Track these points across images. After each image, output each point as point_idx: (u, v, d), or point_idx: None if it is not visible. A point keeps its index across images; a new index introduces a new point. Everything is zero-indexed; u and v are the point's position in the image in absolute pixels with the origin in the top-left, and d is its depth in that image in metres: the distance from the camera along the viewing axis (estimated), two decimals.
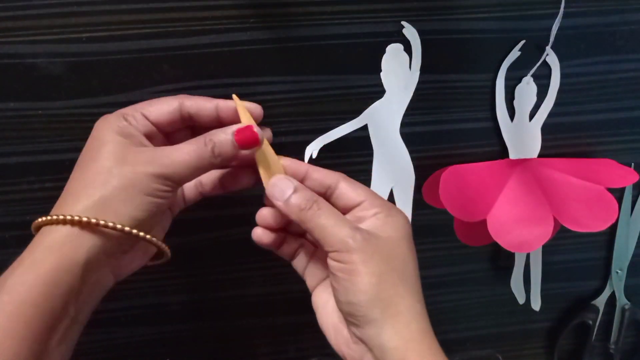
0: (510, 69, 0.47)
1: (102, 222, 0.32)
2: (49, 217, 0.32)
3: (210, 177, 0.41)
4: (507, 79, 0.47)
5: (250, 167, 0.39)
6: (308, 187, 0.38)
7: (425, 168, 0.49)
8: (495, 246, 0.48)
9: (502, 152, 0.50)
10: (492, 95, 0.48)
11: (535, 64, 0.47)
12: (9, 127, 0.43)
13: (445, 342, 0.57)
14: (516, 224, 0.47)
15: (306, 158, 0.46)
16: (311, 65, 0.44)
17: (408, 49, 0.45)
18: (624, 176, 0.49)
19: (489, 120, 0.49)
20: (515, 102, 0.48)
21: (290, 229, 0.40)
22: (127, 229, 0.33)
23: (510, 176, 0.49)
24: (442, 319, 0.56)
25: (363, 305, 0.34)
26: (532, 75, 0.47)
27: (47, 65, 0.41)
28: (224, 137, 0.36)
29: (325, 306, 0.38)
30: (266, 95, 0.45)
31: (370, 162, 0.48)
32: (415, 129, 0.48)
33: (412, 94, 0.46)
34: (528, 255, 0.55)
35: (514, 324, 0.58)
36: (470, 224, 0.48)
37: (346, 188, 0.37)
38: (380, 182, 0.48)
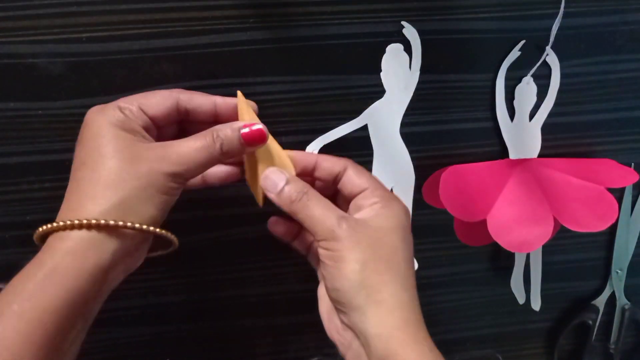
0: (510, 69, 0.47)
1: (129, 225, 0.32)
2: (68, 222, 0.32)
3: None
4: (507, 79, 0.47)
5: (234, 162, 0.39)
6: (319, 177, 0.39)
7: (425, 168, 0.49)
8: (495, 246, 0.48)
9: (502, 152, 0.50)
10: (492, 95, 0.48)
11: (535, 64, 0.47)
12: (9, 127, 0.43)
13: (445, 342, 0.58)
14: (516, 224, 0.47)
15: None
16: (311, 65, 0.44)
17: (408, 49, 0.45)
18: (624, 176, 0.49)
19: (489, 120, 0.49)
20: (515, 102, 0.48)
21: None
22: (151, 228, 0.33)
23: (510, 176, 0.49)
24: (442, 319, 0.56)
25: (347, 292, 0.34)
26: (532, 75, 0.47)
27: (47, 65, 0.41)
28: (231, 134, 0.36)
29: (323, 296, 0.39)
30: (266, 95, 0.45)
31: (370, 162, 0.48)
32: (415, 129, 0.48)
33: (412, 94, 0.46)
34: (528, 255, 0.55)
35: (514, 324, 0.58)
36: (470, 224, 0.48)
37: (352, 175, 0.38)
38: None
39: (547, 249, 0.54)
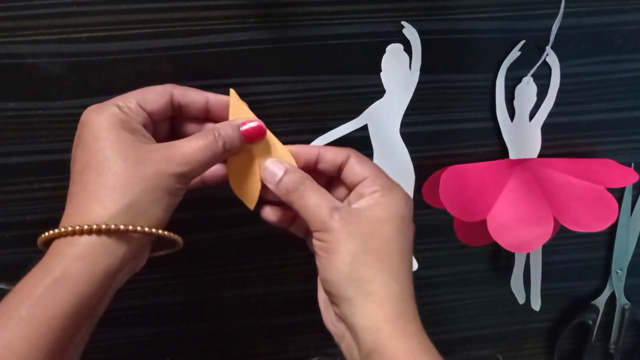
0: (510, 69, 0.47)
1: (138, 229, 0.32)
2: (77, 227, 0.31)
3: None
4: (507, 79, 0.47)
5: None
6: (323, 169, 0.39)
7: (425, 168, 0.49)
8: (495, 246, 0.48)
9: (502, 152, 0.50)
10: (492, 95, 0.48)
11: (535, 64, 0.47)
12: (9, 127, 0.43)
13: (445, 342, 0.58)
14: (516, 224, 0.47)
15: None
16: (311, 65, 0.44)
17: (408, 49, 0.45)
18: (624, 176, 0.49)
19: (489, 120, 0.49)
20: (515, 102, 0.48)
21: None
22: (159, 232, 0.33)
23: (510, 176, 0.49)
24: (442, 319, 0.56)
25: (337, 283, 0.34)
26: (532, 75, 0.47)
27: (47, 65, 0.41)
28: (231, 132, 0.36)
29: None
30: (266, 95, 0.45)
31: None
32: (415, 129, 0.48)
33: (412, 94, 0.46)
34: (528, 255, 0.55)
35: (514, 324, 0.58)
36: (470, 224, 0.48)
37: (354, 164, 0.38)
38: None
39: (547, 249, 0.54)
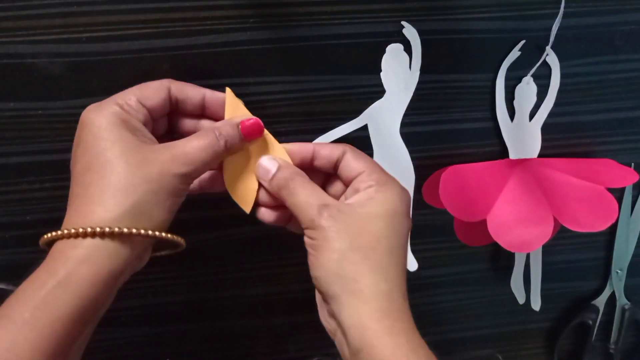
0: (510, 69, 0.47)
1: (142, 232, 0.32)
2: (81, 230, 0.31)
3: None
4: (507, 79, 0.47)
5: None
6: (319, 166, 0.39)
7: (425, 168, 0.49)
8: (495, 246, 0.48)
9: (502, 152, 0.50)
10: (492, 95, 0.48)
11: (535, 64, 0.47)
12: (9, 127, 0.43)
13: (445, 342, 0.58)
14: (516, 224, 0.47)
15: None
16: (311, 65, 0.44)
17: (408, 49, 0.45)
18: (624, 176, 0.49)
19: (489, 120, 0.49)
20: (515, 102, 0.48)
21: None
22: (163, 234, 0.33)
23: (510, 176, 0.49)
24: (442, 319, 0.56)
25: (324, 281, 0.34)
26: (532, 75, 0.47)
27: (47, 65, 0.41)
28: (231, 130, 0.36)
29: None
30: (266, 95, 0.45)
31: None
32: (415, 129, 0.48)
33: (412, 94, 0.46)
34: (528, 255, 0.55)
35: (513, 324, 0.58)
36: (470, 224, 0.48)
37: (350, 159, 0.38)
38: None
39: (547, 249, 0.54)
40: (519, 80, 0.47)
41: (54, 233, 0.32)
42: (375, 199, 0.36)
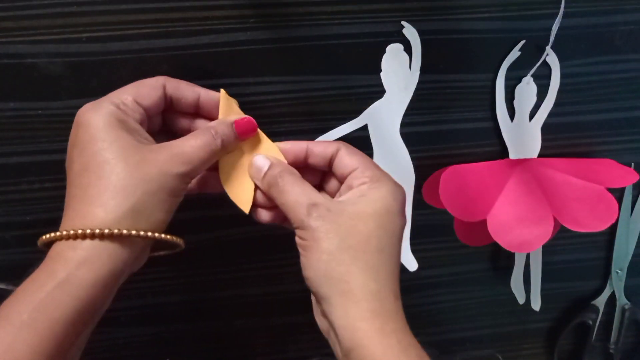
0: (510, 69, 0.47)
1: (142, 234, 0.32)
2: (80, 231, 0.31)
3: None
4: (507, 79, 0.47)
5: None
6: (313, 164, 0.38)
7: (425, 168, 0.49)
8: (495, 246, 0.48)
9: (502, 152, 0.50)
10: (492, 95, 0.48)
11: (535, 64, 0.47)
12: (9, 127, 0.43)
13: (445, 342, 0.57)
14: (516, 224, 0.47)
15: None
16: (311, 65, 0.44)
17: (408, 49, 0.45)
18: (624, 176, 0.49)
19: (489, 120, 0.49)
20: (515, 102, 0.48)
21: None
22: (163, 236, 0.33)
23: (510, 176, 0.49)
24: (442, 319, 0.56)
25: (314, 282, 0.34)
26: (532, 75, 0.47)
27: (47, 65, 0.41)
28: (227, 129, 0.36)
29: None
30: (266, 95, 0.45)
31: None
32: (415, 129, 0.48)
33: (412, 94, 0.46)
34: (528, 255, 0.55)
35: (513, 324, 0.58)
36: (470, 224, 0.48)
37: (343, 156, 0.37)
38: None
39: (547, 249, 0.54)
40: (519, 80, 0.47)
41: (52, 234, 0.32)
42: (366, 197, 0.35)
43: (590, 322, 0.57)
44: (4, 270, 0.46)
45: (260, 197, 0.39)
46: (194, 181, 0.39)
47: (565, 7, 0.44)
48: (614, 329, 0.58)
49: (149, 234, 0.32)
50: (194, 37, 0.42)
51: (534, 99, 0.48)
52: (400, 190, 0.36)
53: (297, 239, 0.35)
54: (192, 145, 0.35)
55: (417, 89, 0.46)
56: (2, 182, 0.44)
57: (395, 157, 0.48)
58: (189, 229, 0.48)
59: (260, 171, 0.37)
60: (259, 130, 0.39)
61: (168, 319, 0.52)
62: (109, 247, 0.32)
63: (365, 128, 0.47)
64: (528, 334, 0.59)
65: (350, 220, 0.34)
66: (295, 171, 0.37)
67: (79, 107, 0.35)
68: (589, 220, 0.47)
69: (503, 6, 0.45)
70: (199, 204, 0.47)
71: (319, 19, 0.43)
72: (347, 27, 0.43)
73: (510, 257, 0.54)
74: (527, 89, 0.48)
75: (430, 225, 0.52)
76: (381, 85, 0.46)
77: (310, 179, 0.39)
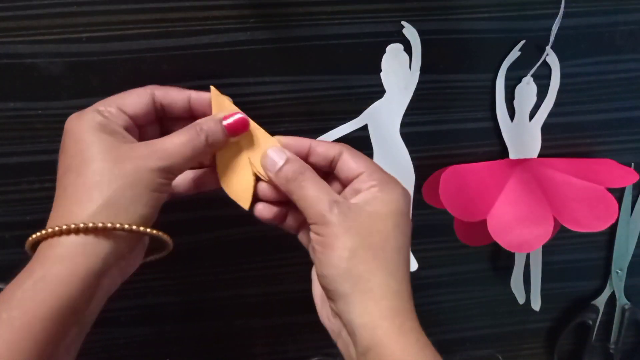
0: (510, 69, 0.47)
1: (117, 226, 0.32)
2: (57, 228, 0.31)
3: (183, 178, 0.40)
4: (507, 79, 0.47)
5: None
6: (313, 163, 0.38)
7: (425, 168, 0.49)
8: (495, 246, 0.48)
9: (502, 152, 0.50)
10: (492, 95, 0.48)
11: (535, 64, 0.47)
12: (9, 127, 0.43)
13: (445, 342, 0.58)
14: (516, 224, 0.47)
15: None
16: (311, 65, 0.44)
17: (408, 49, 0.45)
18: (624, 176, 0.49)
19: (489, 120, 0.49)
20: (515, 102, 0.48)
21: (292, 202, 0.40)
22: (141, 229, 0.33)
23: (510, 176, 0.49)
24: (442, 319, 0.56)
25: (333, 279, 0.34)
26: (532, 75, 0.47)
27: (47, 65, 0.41)
28: (214, 125, 0.36)
29: (317, 279, 0.38)
30: (266, 95, 0.45)
31: None
32: (415, 129, 0.48)
33: (412, 94, 0.46)
34: (528, 255, 0.55)
35: (513, 324, 0.58)
36: (470, 224, 0.48)
37: (348, 159, 0.37)
38: None
39: (547, 249, 0.54)
40: (519, 80, 0.47)
41: (34, 236, 0.32)
42: (380, 199, 0.35)
43: (590, 322, 0.57)
44: (3, 270, 0.46)
45: (265, 191, 0.39)
46: (189, 181, 0.40)
47: (565, 7, 0.44)
48: (614, 329, 0.58)
49: (125, 226, 0.32)
50: (194, 37, 0.42)
51: (534, 99, 0.48)
52: (407, 193, 0.37)
53: (313, 235, 0.35)
54: (174, 141, 0.34)
55: (417, 89, 0.46)
56: (2, 182, 0.44)
57: (395, 157, 0.48)
58: (189, 229, 0.48)
59: (275, 165, 0.37)
60: (255, 125, 0.38)
61: (168, 319, 0.52)
62: (86, 242, 0.31)
63: (365, 128, 0.47)
64: (528, 334, 0.59)
65: (369, 220, 0.35)
66: (312, 169, 0.37)
67: (79, 107, 0.35)
68: (589, 220, 0.47)
69: (503, 6, 0.45)
70: (199, 204, 0.47)
71: (319, 19, 0.43)
72: (347, 27, 0.43)
73: (510, 257, 0.54)
74: (527, 89, 0.48)
75: (430, 225, 0.52)
76: (381, 85, 0.46)
77: None
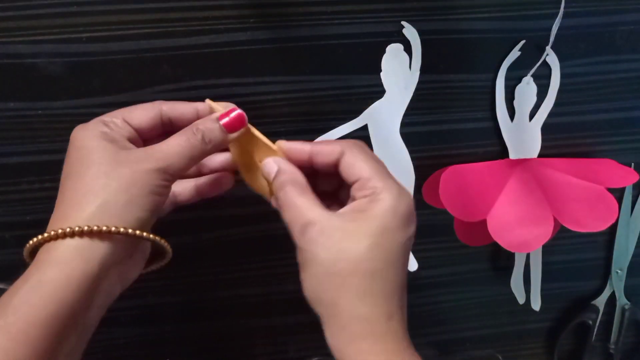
0: (510, 69, 0.47)
1: (113, 229, 0.31)
2: (52, 233, 0.31)
3: (184, 186, 0.40)
4: (507, 79, 0.47)
5: (226, 170, 0.39)
6: (318, 169, 0.37)
7: (425, 168, 0.49)
8: (495, 246, 0.48)
9: (502, 152, 0.50)
10: (492, 95, 0.48)
11: (535, 64, 0.47)
12: (9, 127, 0.43)
13: (445, 342, 0.58)
14: (516, 224, 0.47)
15: None
16: (311, 65, 0.44)
17: (408, 49, 0.45)
18: (624, 176, 0.49)
19: (489, 120, 0.49)
20: (515, 102, 0.48)
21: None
22: (137, 232, 0.32)
23: (510, 176, 0.49)
24: (442, 319, 0.56)
25: (309, 299, 0.34)
26: (532, 75, 0.47)
27: (47, 65, 0.41)
28: (210, 124, 0.36)
29: None
30: (266, 95, 0.45)
31: None
32: (415, 129, 0.48)
33: (412, 94, 0.46)
34: (528, 255, 0.55)
35: (513, 324, 0.58)
36: (470, 224, 0.48)
37: (348, 163, 0.36)
38: None
39: (547, 249, 0.54)
40: (519, 80, 0.47)
41: (30, 242, 0.32)
42: (365, 213, 0.34)
43: (590, 322, 0.57)
44: (3, 270, 0.46)
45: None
46: (191, 189, 0.40)
47: (565, 7, 0.44)
48: (614, 329, 0.58)
49: (121, 229, 0.32)
50: (194, 37, 0.42)
51: (534, 99, 0.48)
52: (404, 201, 0.34)
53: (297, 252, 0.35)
54: (170, 142, 0.34)
55: (417, 89, 0.46)
56: (2, 182, 0.44)
57: (395, 157, 0.48)
58: (189, 229, 0.48)
59: (269, 176, 0.37)
60: (251, 126, 0.38)
61: (168, 319, 0.52)
62: (81, 245, 0.31)
63: (365, 128, 0.47)
64: (528, 334, 0.59)
65: (341, 243, 0.33)
66: (300, 178, 0.36)
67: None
68: (589, 220, 0.47)
69: (503, 6, 0.45)
70: (199, 204, 0.47)
71: (319, 19, 0.43)
72: (347, 27, 0.43)
73: (510, 257, 0.54)
74: (527, 89, 0.48)
75: (430, 225, 0.52)
76: (381, 85, 0.46)
77: (325, 185, 0.38)
